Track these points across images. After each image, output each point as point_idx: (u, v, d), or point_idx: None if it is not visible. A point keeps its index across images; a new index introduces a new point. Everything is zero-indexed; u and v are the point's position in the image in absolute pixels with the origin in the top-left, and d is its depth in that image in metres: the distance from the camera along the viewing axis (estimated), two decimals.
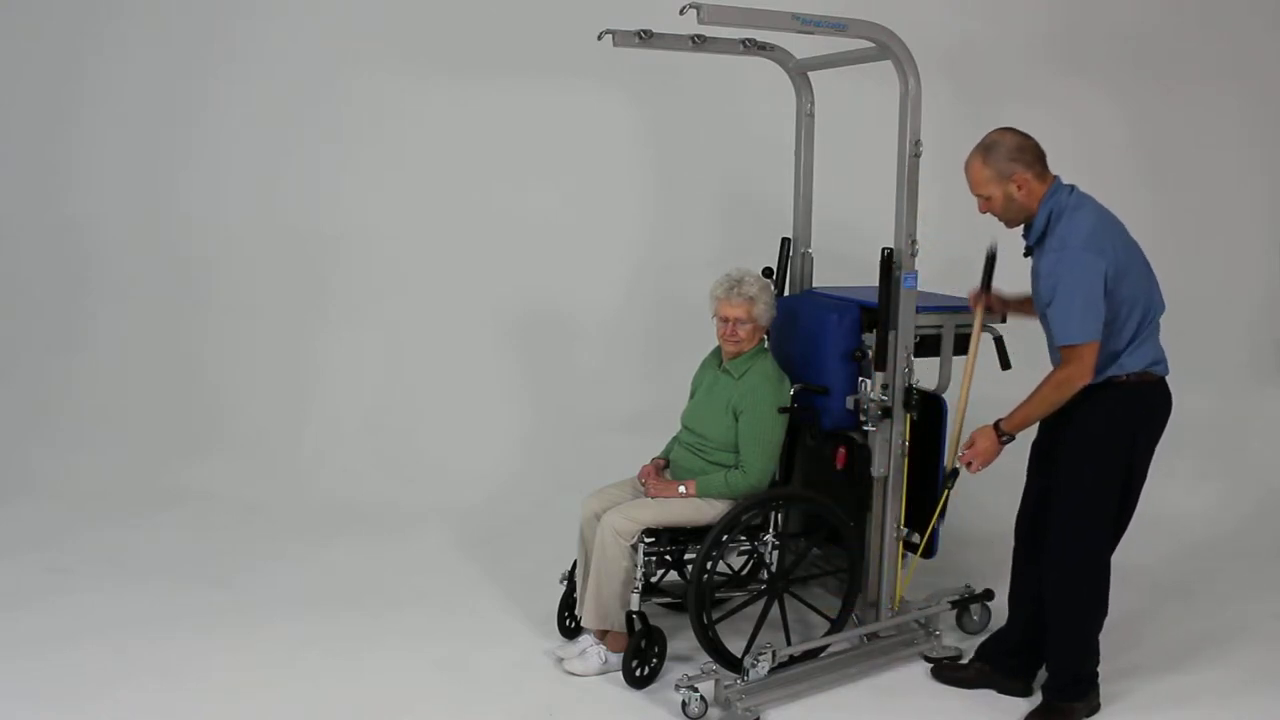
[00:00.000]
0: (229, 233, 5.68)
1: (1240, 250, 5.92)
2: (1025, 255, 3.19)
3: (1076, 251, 2.94)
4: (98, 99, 5.69)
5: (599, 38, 3.68)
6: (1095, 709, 3.33)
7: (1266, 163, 5.90)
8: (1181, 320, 5.86)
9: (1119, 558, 4.66)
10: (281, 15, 5.63)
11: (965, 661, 3.56)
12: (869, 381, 3.50)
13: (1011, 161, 3.04)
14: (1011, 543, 4.85)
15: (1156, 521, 5.09)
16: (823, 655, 3.56)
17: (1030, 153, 3.05)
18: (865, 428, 3.55)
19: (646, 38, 3.64)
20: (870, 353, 3.50)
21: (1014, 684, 3.45)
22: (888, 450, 3.57)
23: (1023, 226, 3.18)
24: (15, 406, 5.64)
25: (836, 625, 3.62)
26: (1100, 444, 3.13)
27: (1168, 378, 3.23)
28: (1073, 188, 3.13)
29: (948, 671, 3.52)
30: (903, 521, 3.64)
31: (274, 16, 5.62)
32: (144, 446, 5.49)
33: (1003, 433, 3.13)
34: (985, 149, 3.08)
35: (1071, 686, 3.30)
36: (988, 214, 3.19)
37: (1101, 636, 3.86)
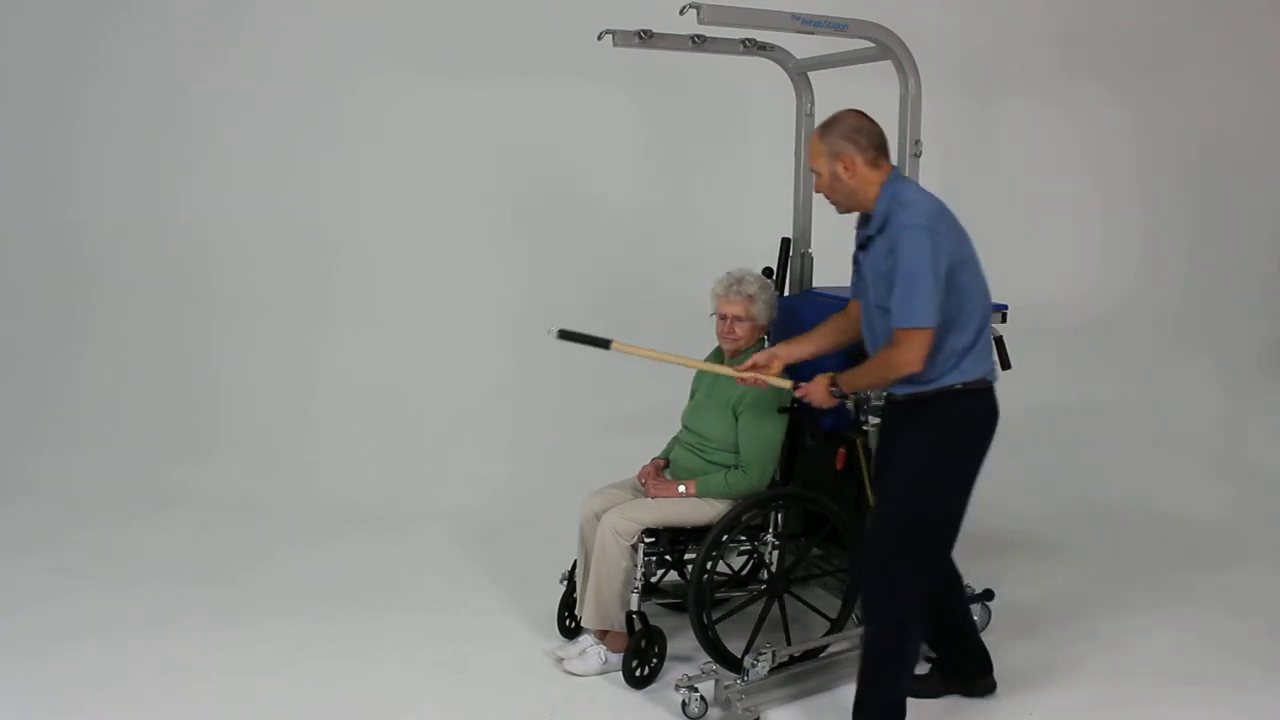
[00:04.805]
0: (229, 233, 5.69)
1: (1243, 250, 5.93)
2: (861, 249, 3.02)
3: (920, 232, 2.79)
4: (97, 100, 5.70)
5: (599, 38, 3.68)
6: None
7: (1268, 163, 5.91)
8: (1184, 320, 5.92)
9: (1121, 558, 4.69)
10: (282, 16, 5.63)
11: (926, 672, 3.44)
12: None
13: (843, 139, 2.91)
14: (1015, 543, 4.88)
15: (1159, 522, 5.11)
16: (823, 655, 3.56)
17: (865, 136, 2.91)
18: (865, 428, 3.54)
19: (646, 38, 3.64)
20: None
21: (976, 683, 3.39)
22: None
23: (858, 219, 3.06)
24: (15, 406, 5.64)
25: (836, 625, 3.62)
26: (931, 458, 2.95)
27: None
28: (910, 180, 3.01)
29: (914, 685, 3.33)
30: None
31: (275, 17, 5.63)
32: (144, 446, 5.49)
33: (835, 384, 3.08)
34: (824, 124, 2.95)
35: None
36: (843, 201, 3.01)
37: (1102, 639, 3.87)
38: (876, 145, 2.93)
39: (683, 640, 3.63)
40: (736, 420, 3.56)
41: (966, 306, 2.90)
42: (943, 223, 2.86)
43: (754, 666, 3.27)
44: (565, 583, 3.77)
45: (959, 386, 2.91)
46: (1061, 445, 5.67)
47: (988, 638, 3.83)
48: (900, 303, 2.80)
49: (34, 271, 5.77)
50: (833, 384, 3.09)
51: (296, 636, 3.79)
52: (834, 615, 3.64)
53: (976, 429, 2.98)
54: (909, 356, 2.82)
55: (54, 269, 5.77)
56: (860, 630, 3.63)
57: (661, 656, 3.49)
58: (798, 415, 3.64)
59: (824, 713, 3.35)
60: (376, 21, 5.60)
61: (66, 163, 5.73)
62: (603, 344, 3.34)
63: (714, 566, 3.46)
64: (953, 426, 2.94)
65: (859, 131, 2.92)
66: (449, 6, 5.55)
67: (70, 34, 5.64)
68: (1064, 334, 5.80)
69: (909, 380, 2.91)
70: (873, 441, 3.54)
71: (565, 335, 3.32)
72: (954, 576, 3.35)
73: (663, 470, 3.74)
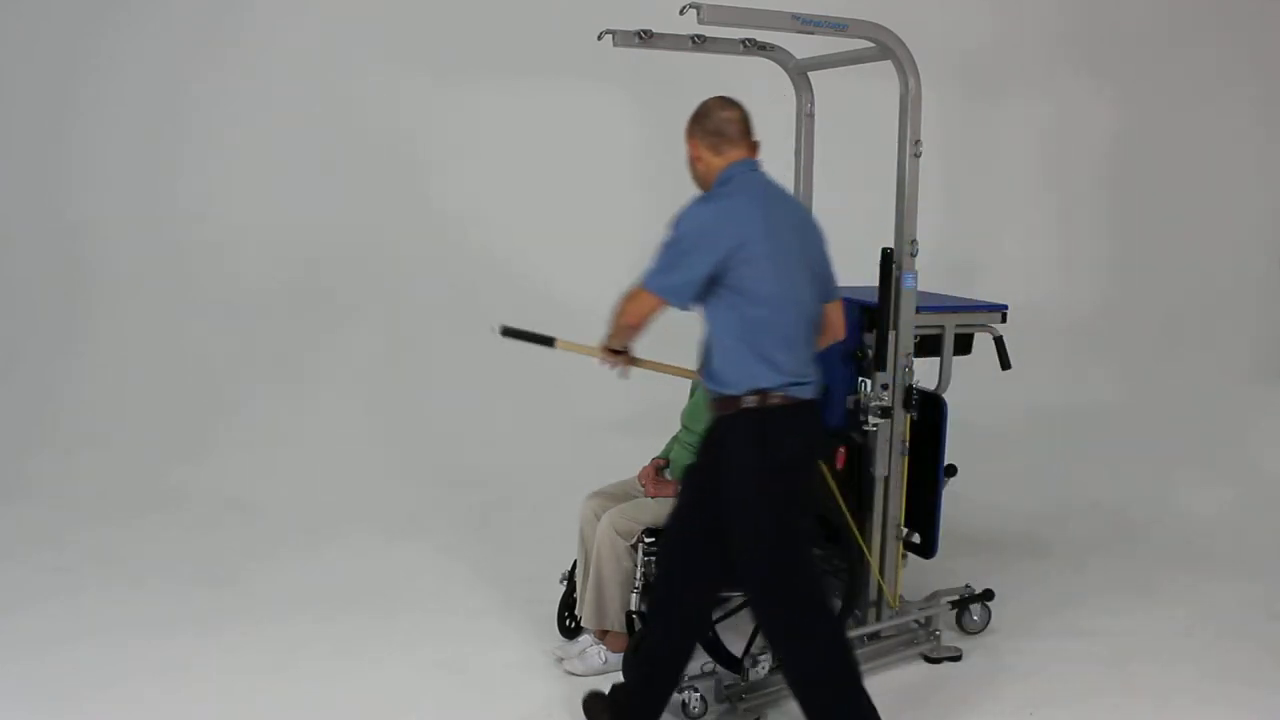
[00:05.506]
0: (229, 233, 5.69)
1: (1243, 250, 5.93)
2: None
3: (699, 206, 2.75)
4: (97, 100, 5.70)
5: (599, 38, 3.68)
6: None
7: (1268, 162, 5.92)
8: (1184, 320, 5.92)
9: (1121, 558, 4.69)
10: (282, 16, 5.64)
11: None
12: (869, 381, 3.50)
13: (692, 124, 2.91)
14: (1015, 543, 4.88)
15: (1160, 522, 5.11)
16: None
17: (709, 121, 2.87)
18: (865, 428, 3.54)
19: (646, 38, 3.65)
20: (870, 353, 3.50)
21: None
22: (887, 450, 3.57)
23: None
24: (15, 407, 5.64)
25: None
26: (752, 477, 2.77)
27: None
28: (762, 174, 2.88)
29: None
30: (903, 521, 3.64)
31: (275, 17, 5.63)
32: (144, 446, 5.49)
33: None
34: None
35: None
36: None
37: (1102, 638, 3.88)
38: (716, 131, 2.87)
39: None
40: None
41: (741, 310, 2.73)
42: (745, 213, 2.73)
43: (754, 666, 3.28)
44: (565, 583, 3.77)
45: (758, 399, 2.74)
46: (1061, 445, 5.67)
47: (987, 638, 3.85)
48: (652, 262, 2.77)
49: (34, 271, 5.77)
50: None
51: (296, 636, 3.79)
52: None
53: (783, 447, 2.77)
54: (626, 307, 2.83)
55: (54, 269, 5.77)
56: (859, 630, 3.66)
57: None
58: None
59: None
60: (376, 22, 5.61)
61: (66, 163, 5.73)
62: (547, 342, 3.34)
63: None
64: (752, 443, 2.77)
65: (704, 116, 2.90)
66: (449, 7, 5.55)
67: (70, 34, 5.64)
68: (1064, 334, 5.81)
69: (709, 376, 2.83)
70: (873, 443, 3.56)
71: (508, 332, 3.32)
72: (691, 631, 3.04)
73: (662, 470, 3.74)
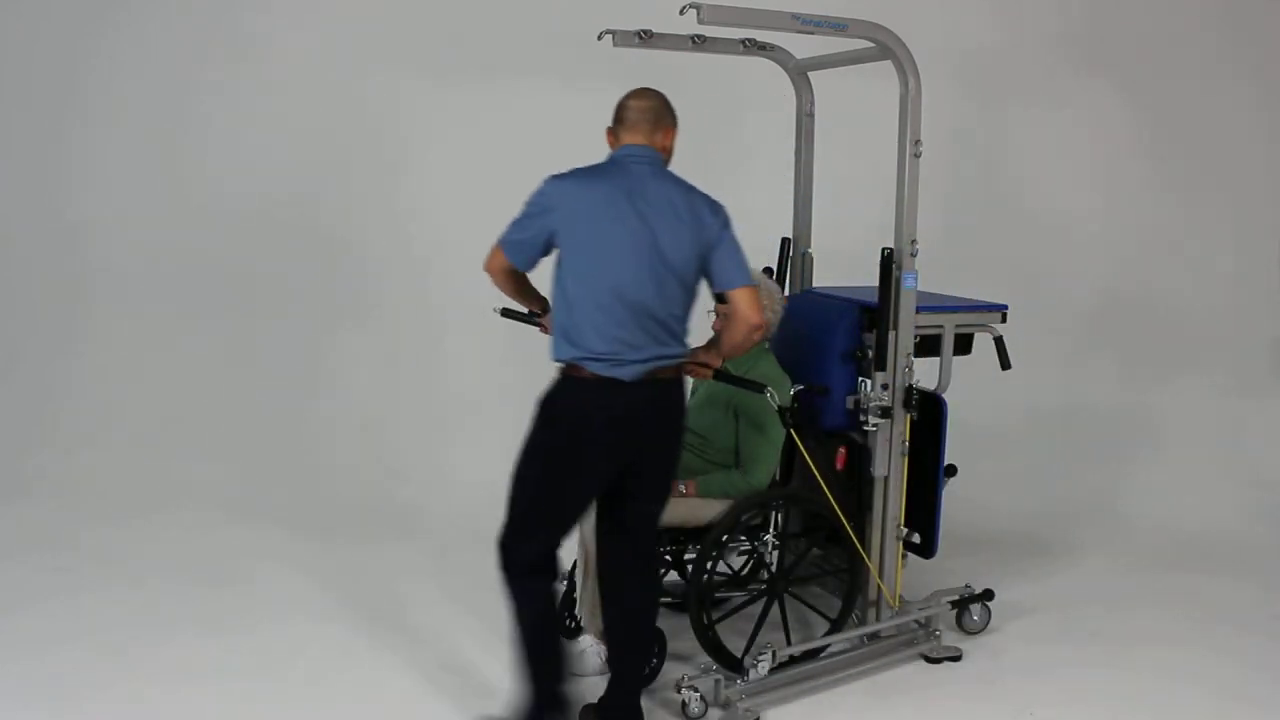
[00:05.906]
0: (229, 233, 5.68)
1: (1246, 249, 5.93)
2: None
3: (543, 182, 2.95)
4: (98, 100, 5.69)
5: (599, 38, 3.68)
6: None
7: (1272, 161, 5.91)
8: (1186, 320, 5.92)
9: (1122, 559, 4.69)
10: (284, 17, 5.63)
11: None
12: (869, 381, 3.50)
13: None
14: (1015, 543, 4.88)
15: (1160, 522, 5.12)
16: (823, 655, 3.56)
17: (618, 111, 3.08)
18: (865, 428, 3.55)
19: (646, 38, 3.65)
20: (870, 353, 3.50)
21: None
22: (887, 450, 3.57)
23: None
24: (16, 406, 5.64)
25: (836, 625, 3.62)
26: (529, 437, 2.99)
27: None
28: (639, 161, 3.02)
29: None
30: (903, 521, 3.64)
31: (276, 18, 5.63)
32: (144, 446, 5.49)
33: None
34: None
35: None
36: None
37: (1102, 639, 3.88)
38: (618, 119, 3.08)
39: (683, 640, 3.63)
40: (736, 420, 3.56)
41: (565, 285, 2.94)
42: (577, 191, 2.92)
43: (754, 666, 3.28)
44: (565, 583, 3.77)
45: (558, 366, 2.98)
46: (1061, 445, 5.67)
47: (987, 637, 3.85)
48: None
49: (34, 271, 5.77)
50: None
51: (296, 636, 3.79)
52: (834, 615, 3.64)
53: (557, 409, 2.98)
54: (488, 261, 3.04)
55: (54, 269, 5.77)
56: (859, 630, 3.66)
57: (661, 656, 3.48)
58: (798, 415, 3.63)
59: (824, 713, 3.35)
60: (377, 22, 5.60)
61: (67, 162, 5.73)
62: (538, 321, 3.44)
63: (714, 567, 3.46)
64: (546, 400, 3.01)
65: (618, 106, 3.09)
66: (449, 7, 5.54)
67: (71, 34, 5.64)
68: (1064, 334, 5.81)
69: None
70: (873, 443, 3.56)
71: (506, 314, 3.57)
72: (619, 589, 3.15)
73: None
